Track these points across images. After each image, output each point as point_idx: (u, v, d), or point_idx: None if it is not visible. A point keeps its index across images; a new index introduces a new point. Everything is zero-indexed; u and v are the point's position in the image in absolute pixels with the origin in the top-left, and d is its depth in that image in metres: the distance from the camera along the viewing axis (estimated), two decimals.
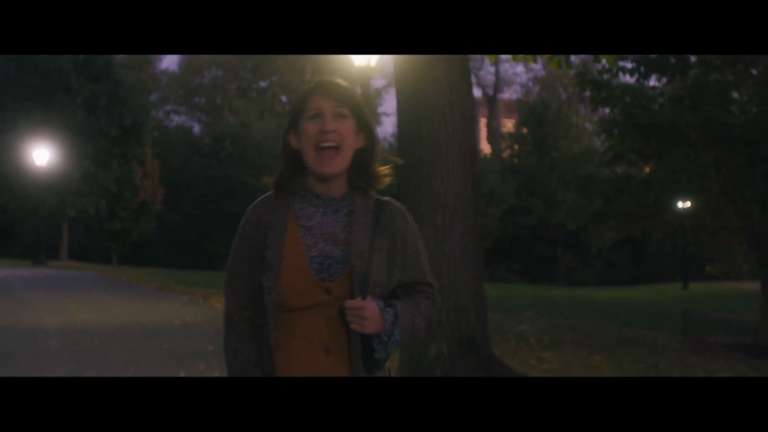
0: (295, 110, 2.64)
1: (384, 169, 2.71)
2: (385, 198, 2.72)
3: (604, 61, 16.67)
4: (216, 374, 8.65)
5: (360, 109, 2.62)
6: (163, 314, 14.10)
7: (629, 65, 19.21)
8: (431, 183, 8.53)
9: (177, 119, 57.58)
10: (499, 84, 67.26)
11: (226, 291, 2.70)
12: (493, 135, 64.00)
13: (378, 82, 59.52)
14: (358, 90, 2.58)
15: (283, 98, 52.90)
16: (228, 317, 2.67)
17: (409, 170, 8.75)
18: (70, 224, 42.05)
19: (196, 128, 56.83)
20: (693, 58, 19.19)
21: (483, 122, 66.85)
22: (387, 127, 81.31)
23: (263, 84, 54.41)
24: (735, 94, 19.14)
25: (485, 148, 61.83)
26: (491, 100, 66.70)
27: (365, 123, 2.65)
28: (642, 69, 19.25)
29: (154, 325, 12.69)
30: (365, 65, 12.55)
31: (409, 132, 9.05)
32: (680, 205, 20.67)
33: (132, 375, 8.41)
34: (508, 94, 71.95)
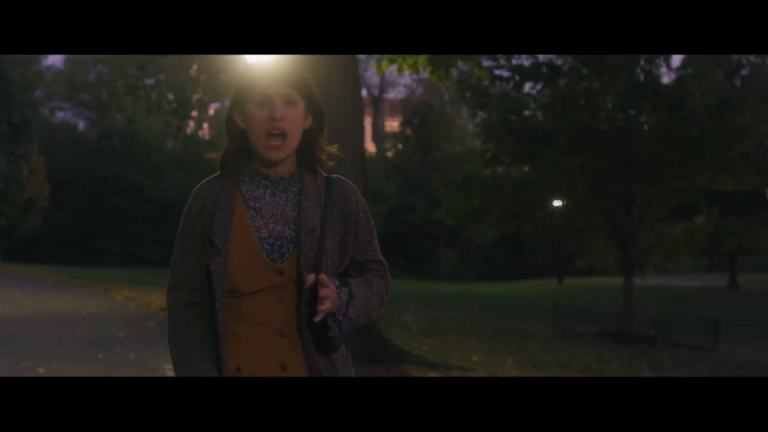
0: (242, 90, 2.53)
1: (331, 149, 2.65)
2: (335, 175, 2.67)
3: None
4: (132, 355, 9.54)
5: (310, 92, 2.54)
6: (69, 305, 14.76)
7: (505, 74, 20.63)
8: None
9: (61, 116, 57.10)
10: (384, 84, 68.52)
11: (170, 278, 2.59)
12: (378, 135, 65.26)
13: None
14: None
15: (170, 96, 52.77)
16: (170, 307, 2.58)
17: None
18: None
19: (81, 125, 56.47)
20: (561, 61, 20.58)
21: (368, 122, 68.08)
22: None
23: (149, 81, 54.30)
24: (602, 102, 20.58)
25: (370, 147, 63.03)
26: (376, 101, 67.87)
27: (314, 105, 2.57)
28: (517, 77, 20.68)
29: (63, 315, 13.38)
30: None
31: None
32: (553, 203, 22.08)
33: (55, 357, 9.23)
34: (393, 94, 73.19)
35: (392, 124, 66.60)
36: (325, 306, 2.41)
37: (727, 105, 19.10)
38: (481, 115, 21.56)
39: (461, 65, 16.32)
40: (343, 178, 2.67)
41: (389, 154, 59.50)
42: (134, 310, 14.59)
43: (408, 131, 58.46)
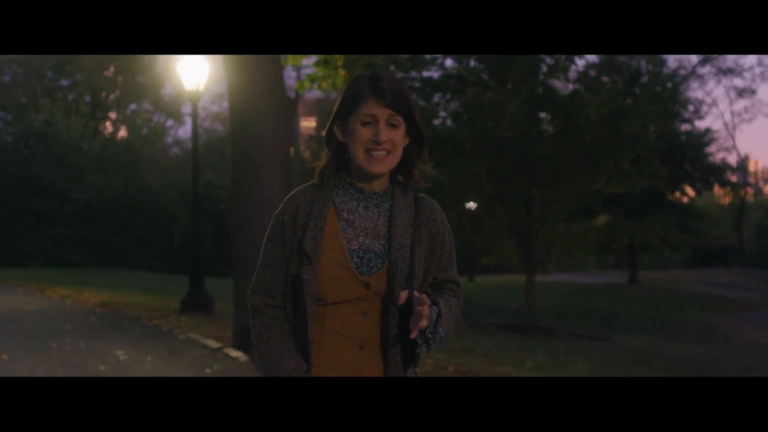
0: (346, 106, 2.58)
1: (426, 168, 2.68)
2: (423, 195, 2.69)
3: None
4: (83, 344, 10.61)
5: (412, 114, 2.57)
6: (10, 303, 15.58)
7: (417, 85, 21.99)
8: (260, 186, 10.41)
9: None
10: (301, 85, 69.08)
11: (254, 281, 2.62)
12: (294, 136, 66.23)
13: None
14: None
15: (87, 98, 52.66)
16: (255, 308, 2.60)
17: (239, 174, 10.71)
18: None
19: None
20: (473, 62, 21.79)
21: None
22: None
23: (65, 82, 54.12)
24: (506, 111, 21.91)
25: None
26: (293, 103, 68.78)
27: (414, 126, 2.60)
28: (427, 89, 22.07)
29: (8, 311, 14.20)
30: (195, 89, 14.51)
31: (240, 140, 10.96)
32: (467, 205, 23.41)
33: (13, 347, 10.25)
34: (309, 95, 73.76)
35: (308, 125, 67.67)
36: (423, 323, 2.43)
37: (618, 115, 20.66)
38: None
39: None
40: (430, 198, 2.71)
41: (306, 154, 60.55)
42: (73, 307, 15.50)
43: (323, 132, 59.46)
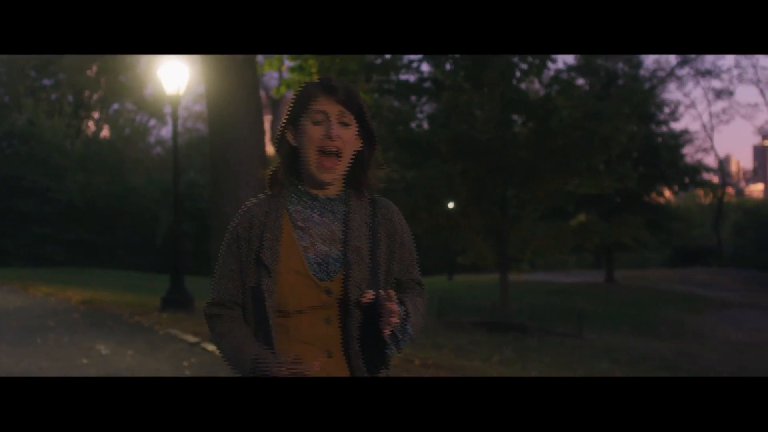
0: (297, 107, 2.55)
1: (378, 171, 2.66)
2: (379, 197, 2.67)
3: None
4: (66, 339, 11.04)
5: (363, 115, 2.55)
6: None
7: (393, 87, 22.40)
8: (238, 187, 10.81)
9: None
10: (278, 90, 69.41)
11: (213, 293, 2.59)
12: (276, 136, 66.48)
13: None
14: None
15: (70, 98, 52.76)
16: (213, 316, 2.59)
17: (218, 177, 11.07)
18: None
19: None
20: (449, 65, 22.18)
21: (267, 122, 68.89)
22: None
23: (48, 82, 54.19)
24: (481, 114, 22.32)
25: (269, 148, 63.95)
26: (275, 103, 69.00)
27: (366, 128, 2.58)
28: (404, 90, 22.47)
29: None
30: (175, 93, 14.88)
31: (218, 144, 11.30)
32: (443, 205, 23.76)
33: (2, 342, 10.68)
34: (290, 94, 73.90)
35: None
36: (394, 319, 2.37)
37: (591, 117, 21.09)
38: None
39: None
40: (386, 200, 2.68)
41: None
42: (56, 304, 15.87)
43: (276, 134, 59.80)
